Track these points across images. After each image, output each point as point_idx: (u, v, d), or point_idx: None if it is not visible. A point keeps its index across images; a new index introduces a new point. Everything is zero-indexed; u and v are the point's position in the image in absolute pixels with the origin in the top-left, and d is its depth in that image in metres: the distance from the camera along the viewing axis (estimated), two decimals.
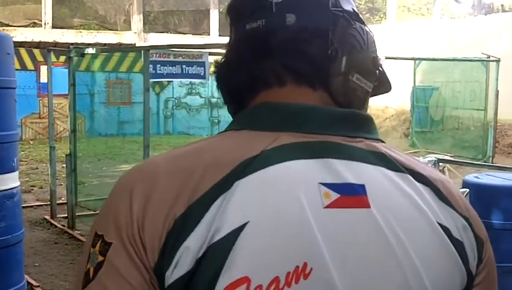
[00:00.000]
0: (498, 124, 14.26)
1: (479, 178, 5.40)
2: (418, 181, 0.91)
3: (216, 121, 18.77)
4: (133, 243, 0.81)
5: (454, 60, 15.26)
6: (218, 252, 0.77)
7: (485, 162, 12.45)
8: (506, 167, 7.21)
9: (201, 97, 19.07)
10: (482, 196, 5.11)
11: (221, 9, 20.22)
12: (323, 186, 0.83)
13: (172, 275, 0.78)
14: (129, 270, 0.80)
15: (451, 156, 11.15)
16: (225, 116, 19.31)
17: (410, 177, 0.91)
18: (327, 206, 0.82)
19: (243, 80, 0.95)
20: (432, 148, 13.90)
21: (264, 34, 0.94)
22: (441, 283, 0.87)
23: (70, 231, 7.51)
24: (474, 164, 9.25)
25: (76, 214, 7.85)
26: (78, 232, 7.48)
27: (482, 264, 0.94)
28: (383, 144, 0.94)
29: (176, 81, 16.41)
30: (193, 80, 13.54)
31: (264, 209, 0.80)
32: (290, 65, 0.93)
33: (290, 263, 0.79)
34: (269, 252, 0.78)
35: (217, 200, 0.80)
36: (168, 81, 16.59)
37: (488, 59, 14.00)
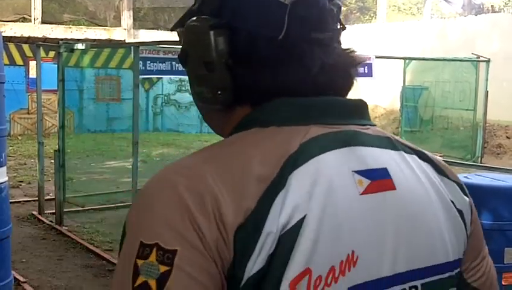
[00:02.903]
0: (487, 125, 14.34)
1: (468, 178, 5.40)
2: (422, 159, 0.99)
3: None
4: (206, 246, 0.79)
5: (444, 60, 15.31)
6: (285, 247, 0.79)
7: (474, 162, 12.51)
8: (495, 168, 7.23)
9: (190, 94, 19.00)
10: (471, 196, 5.12)
11: None
12: (356, 174, 0.88)
13: (246, 273, 0.79)
14: (206, 275, 0.78)
15: (440, 156, 11.17)
16: None
17: (416, 157, 0.98)
18: (362, 193, 0.87)
19: (300, 83, 0.93)
20: (421, 148, 13.89)
21: (327, 47, 0.95)
22: (456, 250, 0.96)
23: (58, 227, 7.47)
24: (463, 163, 9.29)
25: (64, 210, 7.82)
26: (66, 228, 7.45)
27: (472, 219, 1.03)
28: (379, 128, 1.00)
29: (166, 77, 16.39)
30: (183, 77, 13.52)
31: (316, 201, 0.83)
32: (344, 81, 0.98)
33: (342, 252, 0.83)
34: (325, 243, 0.82)
35: (278, 196, 0.81)
36: (157, 77, 16.55)
37: (478, 59, 14.06)
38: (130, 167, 7.32)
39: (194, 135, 17.65)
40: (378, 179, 0.89)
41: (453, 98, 15.15)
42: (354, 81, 1.00)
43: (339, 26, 0.98)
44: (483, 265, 1.07)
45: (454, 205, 0.97)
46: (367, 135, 0.94)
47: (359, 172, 0.88)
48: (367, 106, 0.99)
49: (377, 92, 18.23)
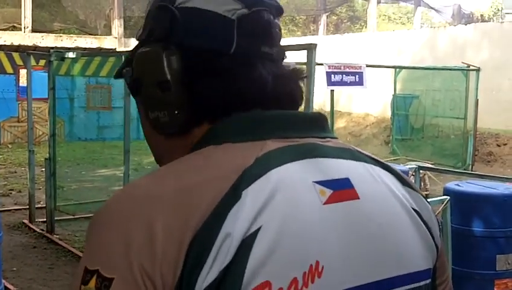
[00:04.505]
0: (477, 133, 14.38)
1: (459, 186, 5.42)
2: (384, 169, 0.98)
3: None
4: (143, 274, 0.77)
5: (434, 68, 15.37)
6: (238, 260, 0.77)
7: (465, 170, 12.53)
8: (486, 175, 7.26)
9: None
10: (462, 203, 5.13)
11: None
12: (317, 184, 0.87)
13: (197, 288, 0.76)
14: None
15: (431, 164, 11.21)
16: None
17: (379, 167, 0.97)
18: (325, 203, 0.86)
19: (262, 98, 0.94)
20: (412, 156, 13.93)
21: (276, 62, 0.98)
22: (426, 259, 0.95)
23: (49, 235, 7.42)
24: (454, 171, 9.30)
25: (55, 218, 7.76)
26: (57, 236, 7.40)
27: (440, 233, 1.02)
28: (340, 140, 0.99)
29: None
30: None
31: (273, 213, 0.81)
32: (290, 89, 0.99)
33: (305, 263, 0.81)
34: (284, 254, 0.80)
35: (231, 210, 0.80)
36: None
37: (468, 68, 14.12)
38: (121, 175, 7.30)
39: None
40: (341, 189, 0.88)
41: (444, 106, 15.20)
42: (303, 94, 1.01)
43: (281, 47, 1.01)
44: (448, 284, 1.05)
45: (421, 216, 0.96)
46: (327, 147, 0.93)
47: (320, 182, 0.87)
48: (326, 118, 0.99)
49: (368, 101, 18.28)
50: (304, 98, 1.04)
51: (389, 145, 16.36)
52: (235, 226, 0.78)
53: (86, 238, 0.87)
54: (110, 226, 0.82)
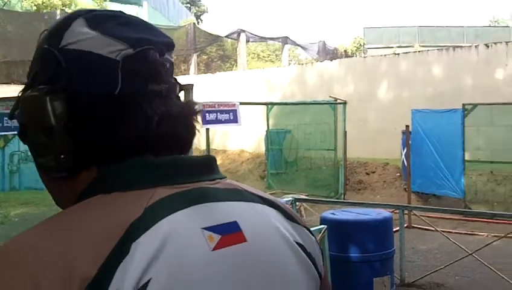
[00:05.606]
0: (347, 163, 14.93)
1: (335, 214, 5.60)
2: (270, 206, 1.01)
3: None
4: None
5: (304, 103, 15.88)
6: None
7: (337, 199, 12.93)
8: (358, 203, 7.55)
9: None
10: (339, 231, 5.29)
11: None
12: (206, 230, 0.88)
13: None
14: None
15: (306, 196, 11.48)
16: None
17: (265, 205, 1.00)
18: (214, 249, 0.87)
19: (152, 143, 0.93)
20: (287, 189, 14.19)
21: (166, 98, 0.97)
22: None
23: None
24: (328, 201, 9.58)
25: None
26: None
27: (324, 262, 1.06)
28: (229, 180, 1.02)
29: None
30: None
31: (163, 264, 0.81)
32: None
33: None
34: None
35: (119, 265, 0.79)
36: (13, 134, 15.85)
37: (336, 102, 14.68)
38: None
39: None
40: (228, 233, 0.90)
41: (315, 139, 15.66)
42: (197, 131, 1.02)
43: (174, 81, 1.01)
44: None
45: (304, 249, 0.99)
46: (215, 190, 0.95)
47: (209, 228, 0.88)
48: (215, 160, 1.01)
49: (243, 137, 18.54)
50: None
51: (265, 179, 16.61)
52: (125, 281, 0.78)
53: None
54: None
